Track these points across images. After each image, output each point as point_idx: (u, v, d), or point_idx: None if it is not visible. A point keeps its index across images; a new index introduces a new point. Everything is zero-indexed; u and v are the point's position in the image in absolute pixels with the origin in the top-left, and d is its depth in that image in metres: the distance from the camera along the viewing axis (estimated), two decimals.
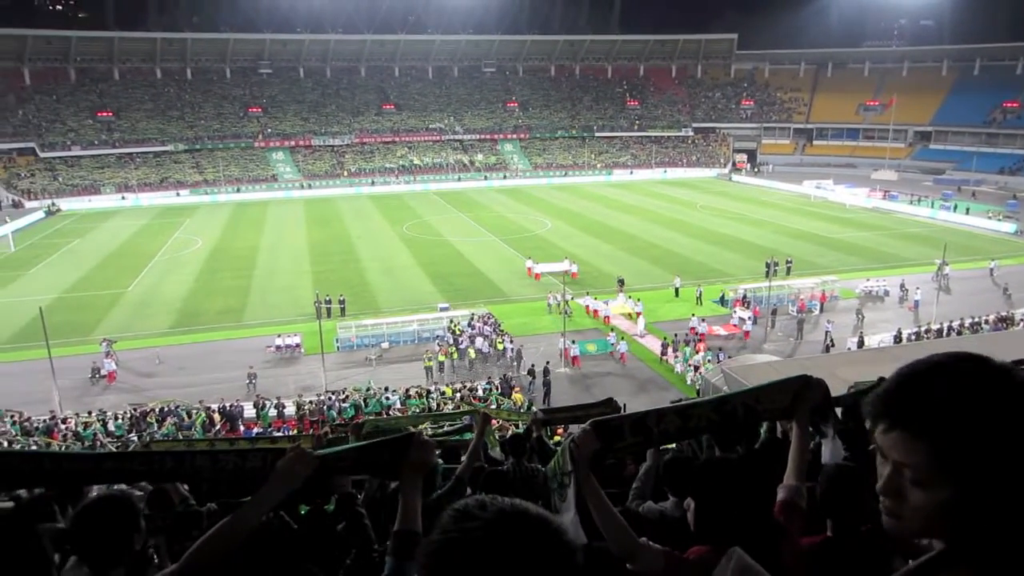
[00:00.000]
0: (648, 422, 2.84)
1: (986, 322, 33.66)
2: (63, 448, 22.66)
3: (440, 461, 3.84)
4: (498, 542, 1.21)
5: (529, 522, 1.26)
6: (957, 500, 1.21)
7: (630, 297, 37.96)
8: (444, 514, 1.29)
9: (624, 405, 12.36)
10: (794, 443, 3.00)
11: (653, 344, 33.40)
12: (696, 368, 29.42)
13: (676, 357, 31.08)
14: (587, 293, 38.79)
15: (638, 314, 35.90)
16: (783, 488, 2.90)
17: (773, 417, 3.46)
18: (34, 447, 22.68)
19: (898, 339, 31.91)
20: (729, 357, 30.34)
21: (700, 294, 38.79)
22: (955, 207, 64.35)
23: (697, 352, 31.02)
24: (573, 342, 32.02)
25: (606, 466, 5.33)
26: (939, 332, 32.44)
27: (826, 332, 32.94)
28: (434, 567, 1.23)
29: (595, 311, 37.12)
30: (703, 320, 34.09)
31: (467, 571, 1.20)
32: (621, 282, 39.95)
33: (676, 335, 32.68)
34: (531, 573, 1.20)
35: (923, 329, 33.09)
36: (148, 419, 25.47)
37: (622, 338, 33.20)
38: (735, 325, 35.08)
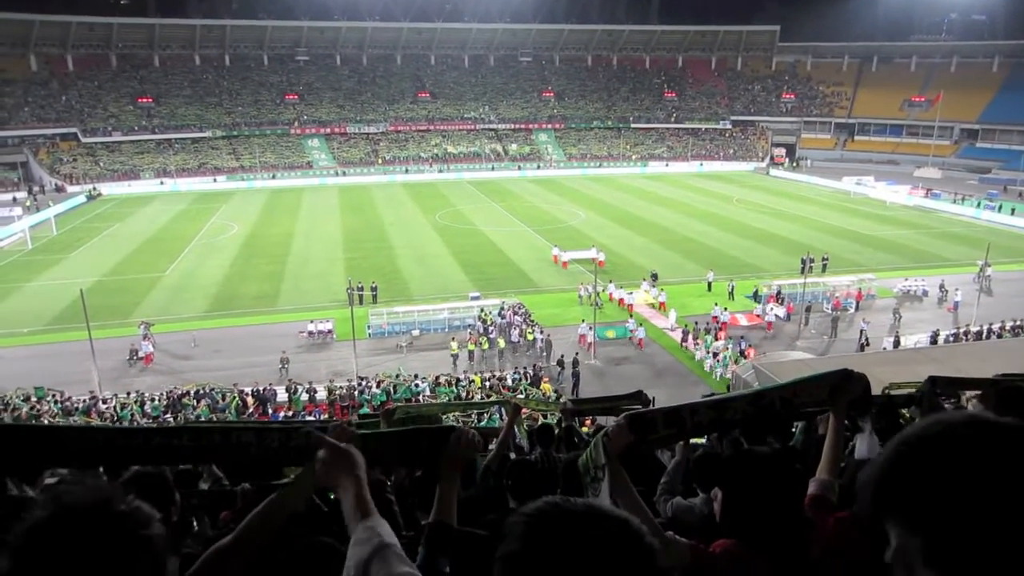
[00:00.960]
0: (682, 414, 2.84)
1: None
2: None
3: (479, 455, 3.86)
4: (582, 547, 1.17)
5: (610, 523, 1.22)
6: None
7: (654, 286, 38.44)
8: (516, 518, 1.25)
9: (653, 398, 12.29)
10: (829, 437, 2.95)
11: (676, 333, 33.71)
12: (716, 355, 29.76)
13: (697, 345, 31.36)
14: (611, 281, 38.70)
15: (662, 304, 36.67)
16: (815, 482, 2.85)
17: (809, 409, 3.41)
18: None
19: (934, 340, 31.27)
20: (750, 346, 30.83)
21: (732, 288, 38.37)
22: (1000, 207, 62.67)
23: (718, 340, 31.43)
24: (591, 328, 32.26)
25: (635, 460, 5.27)
26: (978, 334, 31.71)
27: (861, 331, 32.41)
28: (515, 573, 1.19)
29: (620, 299, 37.43)
30: (726, 310, 34.56)
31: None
32: (655, 276, 39.71)
33: (697, 323, 33.07)
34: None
35: (962, 331, 32.37)
36: (183, 401, 25.94)
37: (640, 324, 33.58)
38: (758, 315, 35.30)
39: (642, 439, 2.74)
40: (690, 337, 32.02)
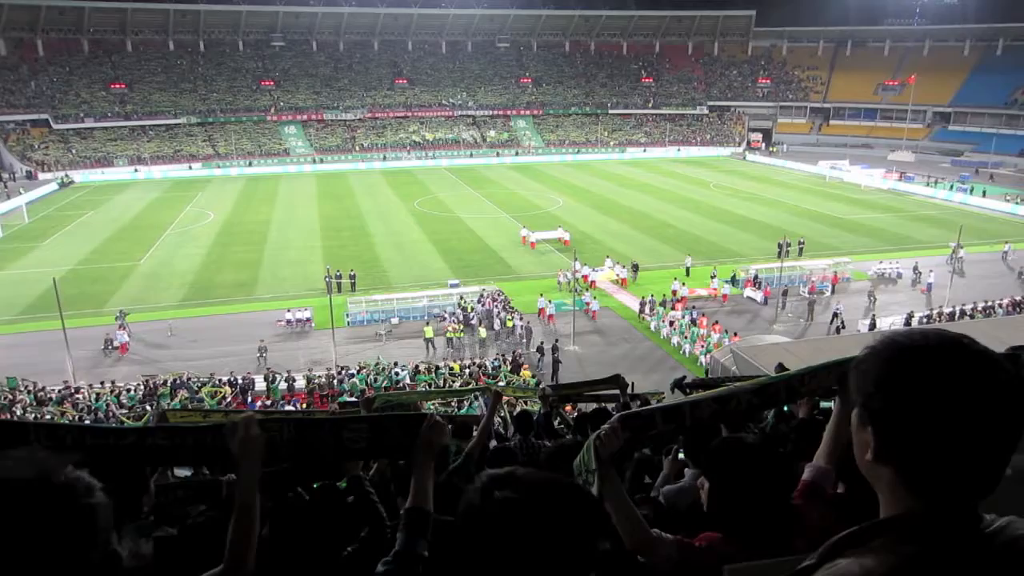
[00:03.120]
0: (682, 409, 2.78)
1: (999, 306, 33.42)
2: (75, 419, 22.93)
3: (452, 441, 3.86)
4: (536, 504, 1.29)
5: (563, 486, 1.34)
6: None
7: (618, 263, 40.31)
8: (477, 480, 1.36)
9: (632, 383, 12.36)
10: (833, 424, 2.74)
11: (634, 304, 35.67)
12: (671, 323, 32.03)
13: (653, 315, 33.45)
14: (576, 258, 38.88)
15: (623, 280, 38.99)
16: (810, 468, 2.66)
17: (812, 395, 3.37)
18: (48, 418, 22.99)
19: (909, 322, 31.71)
20: (702, 315, 32.92)
21: (715, 275, 38.38)
22: (972, 189, 63.57)
23: (674, 310, 33.59)
24: (550, 301, 34.40)
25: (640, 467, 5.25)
26: (951, 315, 32.22)
27: (835, 314, 32.84)
28: (471, 528, 1.29)
29: (584, 276, 38.61)
30: (684, 284, 36.66)
31: (504, 533, 1.26)
32: (636, 267, 39.76)
33: (652, 296, 34.70)
34: (566, 532, 1.27)
35: (935, 312, 32.87)
36: (160, 391, 25.72)
37: (595, 297, 35.41)
38: (714, 289, 36.92)
39: (639, 436, 2.70)
40: (647, 308, 33.79)
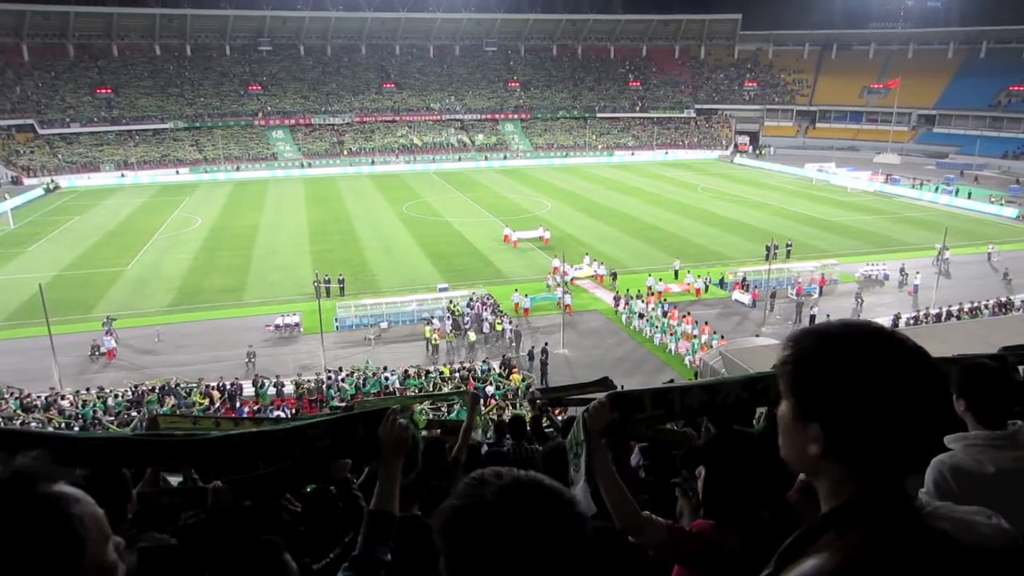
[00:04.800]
0: (671, 395, 2.81)
1: (985, 307, 33.68)
2: (60, 426, 22.77)
3: (421, 437, 3.84)
4: (512, 508, 1.26)
5: (543, 491, 1.31)
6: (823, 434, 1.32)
7: (595, 260, 41.49)
8: (460, 482, 1.34)
9: (622, 386, 12.38)
10: None
11: (609, 298, 37.17)
12: (642, 316, 33.50)
13: (626, 307, 34.79)
14: (555, 256, 39.80)
15: (600, 276, 40.01)
16: None
17: None
18: (34, 424, 22.81)
19: (896, 323, 31.89)
20: (673, 307, 34.21)
21: (708, 280, 38.76)
22: (957, 191, 64.09)
23: (647, 304, 34.52)
24: (526, 295, 35.74)
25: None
26: (938, 317, 32.46)
27: (811, 317, 33.05)
28: (450, 531, 1.27)
29: (564, 272, 38.76)
30: (660, 280, 37.64)
31: (482, 535, 1.25)
32: (614, 275, 39.34)
33: (628, 290, 35.93)
34: (543, 539, 1.25)
35: (922, 313, 33.10)
36: (147, 397, 25.55)
37: (568, 291, 35.99)
38: (688, 283, 38.10)
39: (627, 417, 2.73)
40: (621, 302, 35.08)
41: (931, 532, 1.27)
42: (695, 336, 30.39)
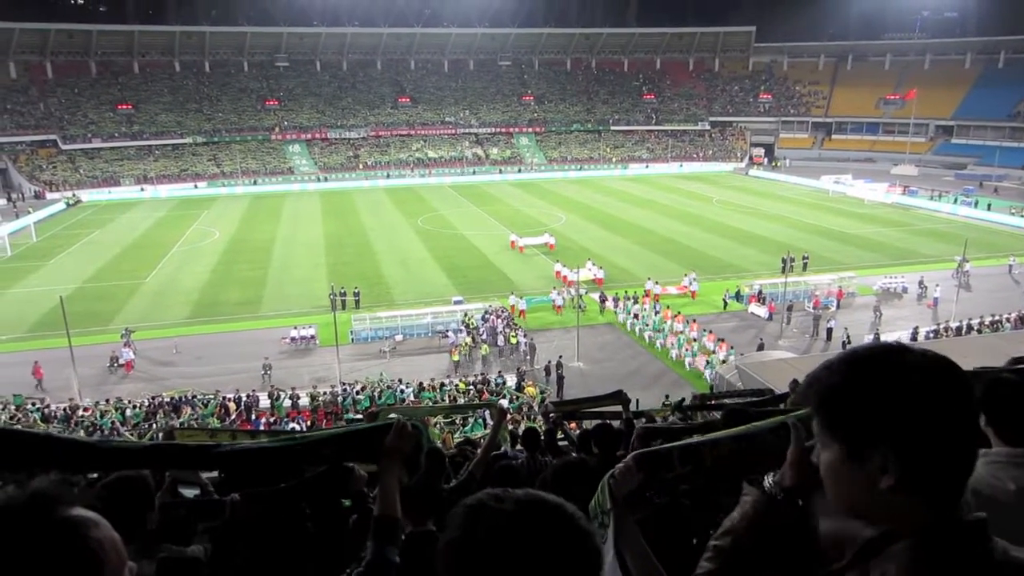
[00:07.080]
0: (702, 449, 2.63)
1: (1007, 320, 33.22)
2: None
3: (427, 440, 3.83)
4: (519, 533, 1.21)
5: (547, 510, 1.26)
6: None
7: (595, 264, 42.06)
8: (456, 509, 1.29)
9: (637, 400, 12.32)
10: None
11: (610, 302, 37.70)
12: (636, 316, 34.62)
13: (617, 308, 35.93)
14: (557, 260, 41.18)
15: (598, 280, 40.70)
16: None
17: None
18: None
19: (915, 337, 31.57)
20: (667, 308, 35.26)
21: (736, 295, 38.53)
22: (976, 203, 63.51)
23: (641, 304, 35.58)
24: (521, 297, 37.03)
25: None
26: (958, 330, 32.06)
27: (828, 330, 32.86)
28: (456, 563, 1.23)
29: (564, 276, 40.45)
30: (657, 283, 38.48)
31: (491, 564, 1.20)
32: (603, 300, 38.35)
33: (626, 292, 37.06)
34: (554, 560, 1.20)
35: (942, 327, 32.73)
36: (165, 408, 25.72)
37: (560, 293, 37.76)
38: (685, 286, 39.00)
39: (655, 476, 2.54)
40: (609, 300, 36.64)
41: (996, 560, 1.24)
42: (713, 352, 30.16)
